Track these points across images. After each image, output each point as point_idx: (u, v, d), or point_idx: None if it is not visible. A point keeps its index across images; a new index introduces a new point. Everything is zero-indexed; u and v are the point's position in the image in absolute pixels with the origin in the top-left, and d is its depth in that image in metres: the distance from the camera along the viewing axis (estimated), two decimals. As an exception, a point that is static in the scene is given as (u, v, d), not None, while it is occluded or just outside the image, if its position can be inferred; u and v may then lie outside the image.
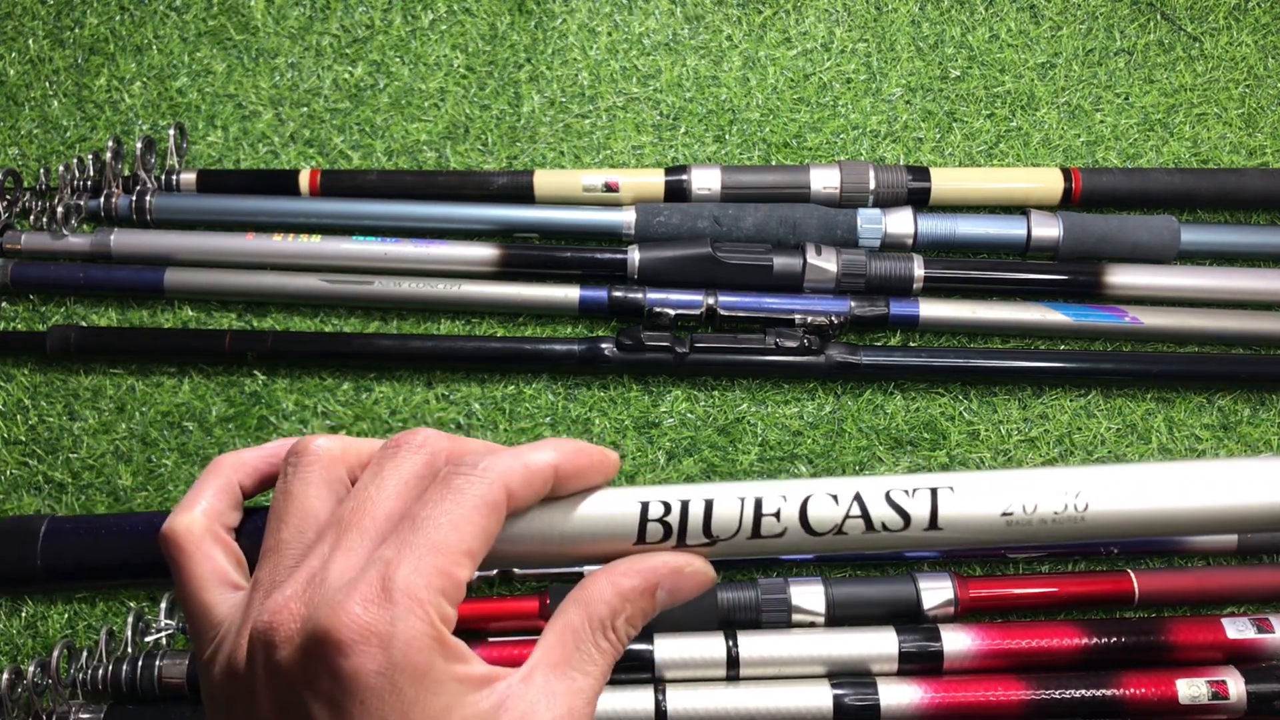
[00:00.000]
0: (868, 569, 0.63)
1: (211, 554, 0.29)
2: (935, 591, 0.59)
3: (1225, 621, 0.59)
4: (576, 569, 0.57)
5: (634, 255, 0.68)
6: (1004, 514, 0.29)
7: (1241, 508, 0.30)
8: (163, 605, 0.61)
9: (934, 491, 0.30)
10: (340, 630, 0.25)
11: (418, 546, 0.26)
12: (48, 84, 0.74)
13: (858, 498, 0.30)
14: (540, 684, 0.27)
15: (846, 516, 0.30)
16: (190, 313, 0.69)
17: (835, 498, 0.30)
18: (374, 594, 0.25)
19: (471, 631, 0.60)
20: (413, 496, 0.28)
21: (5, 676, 0.56)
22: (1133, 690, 0.56)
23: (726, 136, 0.73)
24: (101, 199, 0.70)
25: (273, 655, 0.26)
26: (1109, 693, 0.56)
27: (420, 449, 0.29)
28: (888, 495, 0.30)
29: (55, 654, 0.56)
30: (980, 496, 0.30)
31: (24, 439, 0.66)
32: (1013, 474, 0.30)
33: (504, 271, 0.68)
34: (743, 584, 0.59)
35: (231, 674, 0.27)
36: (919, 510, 0.30)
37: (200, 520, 0.30)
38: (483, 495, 0.27)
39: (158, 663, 0.58)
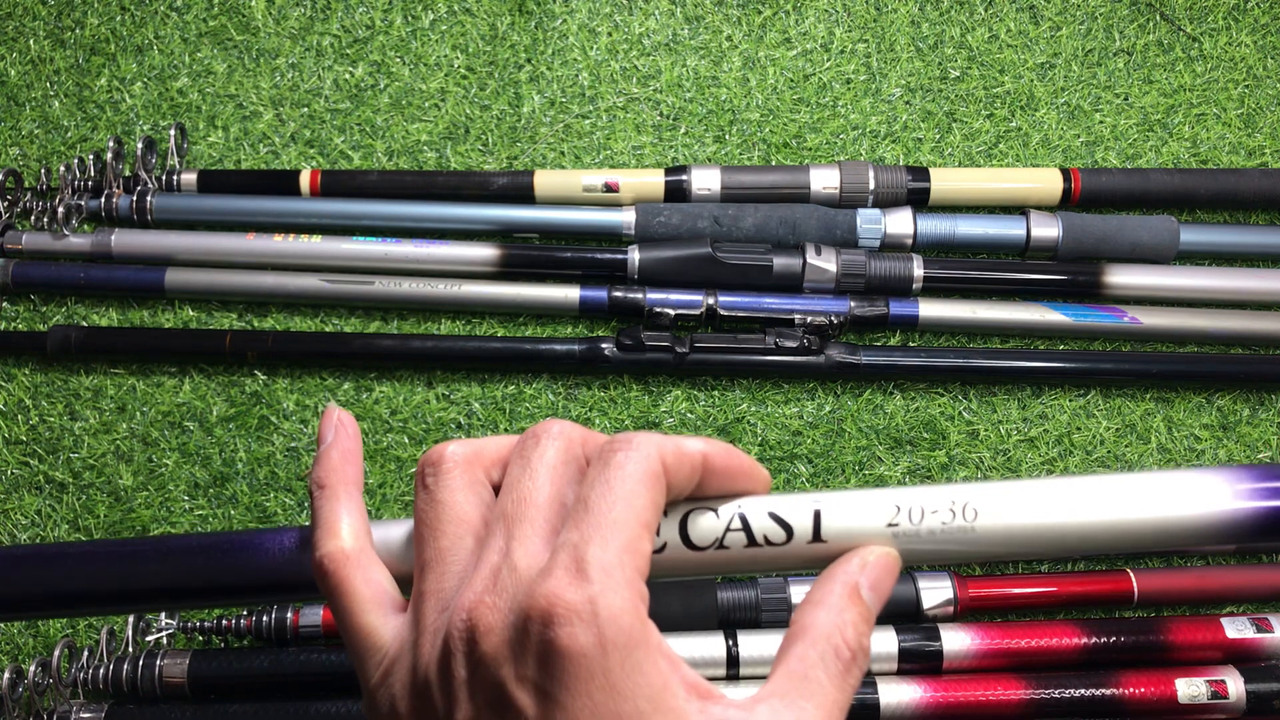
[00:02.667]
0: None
1: (371, 575, 0.29)
2: (935, 591, 0.59)
3: (1224, 621, 0.59)
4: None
5: (634, 255, 0.68)
6: (890, 524, 0.29)
7: (1136, 523, 0.29)
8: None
9: (817, 504, 0.29)
10: (546, 608, 0.24)
11: (599, 527, 0.25)
12: (49, 84, 0.74)
13: (740, 514, 0.29)
14: (765, 714, 0.26)
15: (727, 529, 0.29)
16: (191, 313, 0.69)
17: (716, 512, 0.29)
18: (570, 575, 0.25)
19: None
20: (565, 482, 0.28)
21: (6, 676, 0.56)
22: (1132, 690, 0.56)
23: (726, 136, 0.73)
24: (102, 199, 0.70)
25: (475, 650, 0.25)
26: (1108, 692, 0.56)
27: (559, 436, 0.28)
28: (770, 511, 0.29)
29: (56, 653, 0.56)
30: (865, 508, 0.29)
31: (25, 439, 0.66)
32: (900, 489, 0.30)
33: (504, 271, 0.69)
34: (743, 583, 0.60)
35: (419, 688, 0.26)
36: (801, 522, 0.29)
37: (352, 542, 0.29)
38: (644, 468, 0.27)
39: (158, 662, 0.58)
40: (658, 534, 0.29)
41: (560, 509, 0.27)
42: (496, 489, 0.29)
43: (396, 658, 0.27)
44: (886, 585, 0.29)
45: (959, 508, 0.29)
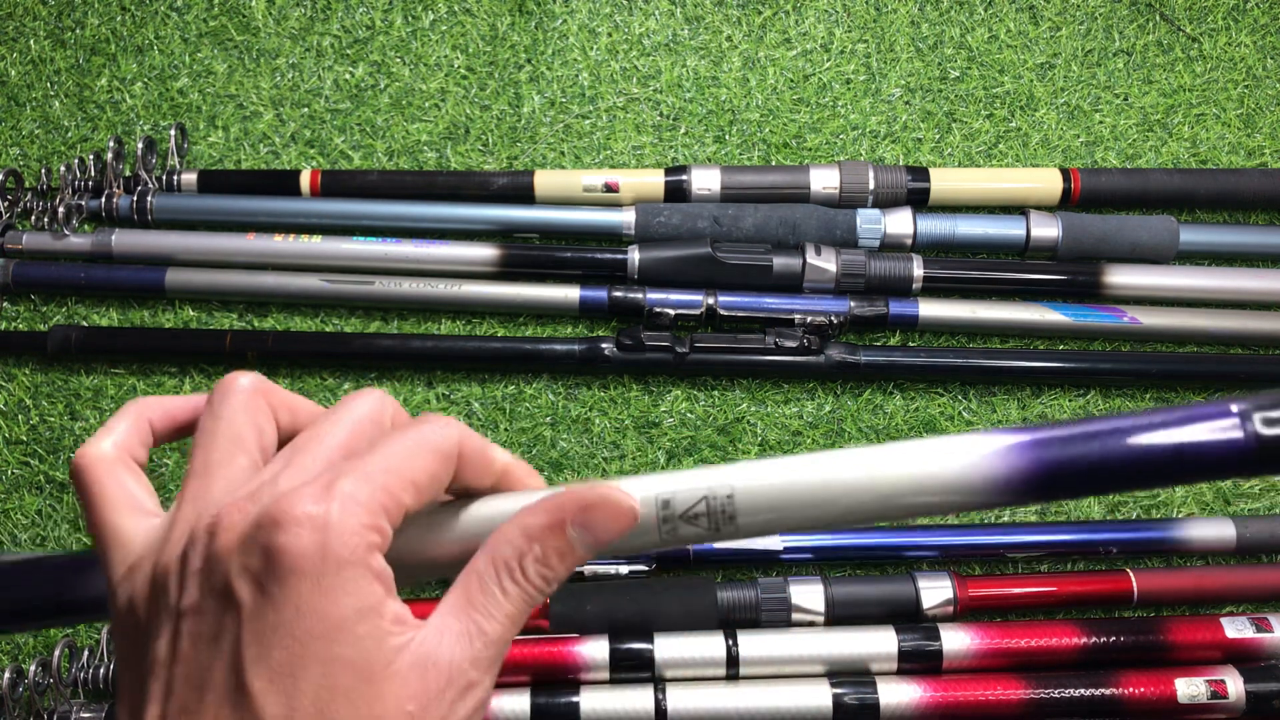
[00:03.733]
0: (867, 568, 0.63)
1: (123, 481, 0.30)
2: (935, 591, 0.59)
3: (1224, 621, 0.59)
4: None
5: (634, 255, 0.68)
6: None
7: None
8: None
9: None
10: (282, 513, 0.25)
11: (366, 466, 0.26)
12: (49, 84, 0.74)
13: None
14: (439, 626, 0.27)
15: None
16: (191, 313, 0.69)
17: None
18: (316, 492, 0.26)
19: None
20: (364, 437, 0.28)
21: (7, 675, 0.56)
22: (1132, 689, 0.56)
23: (726, 137, 0.73)
24: (103, 199, 0.70)
25: (213, 543, 0.26)
26: (1108, 692, 0.56)
27: (376, 401, 0.29)
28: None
29: (57, 653, 0.56)
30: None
31: (25, 439, 0.66)
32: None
33: (504, 271, 0.69)
34: (743, 583, 0.60)
35: (158, 580, 0.27)
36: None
37: (111, 450, 0.30)
38: (438, 439, 0.28)
39: (159, 662, 0.58)
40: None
41: (348, 457, 0.28)
42: (284, 439, 0.30)
43: (143, 554, 0.28)
44: (606, 530, 0.28)
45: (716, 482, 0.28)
